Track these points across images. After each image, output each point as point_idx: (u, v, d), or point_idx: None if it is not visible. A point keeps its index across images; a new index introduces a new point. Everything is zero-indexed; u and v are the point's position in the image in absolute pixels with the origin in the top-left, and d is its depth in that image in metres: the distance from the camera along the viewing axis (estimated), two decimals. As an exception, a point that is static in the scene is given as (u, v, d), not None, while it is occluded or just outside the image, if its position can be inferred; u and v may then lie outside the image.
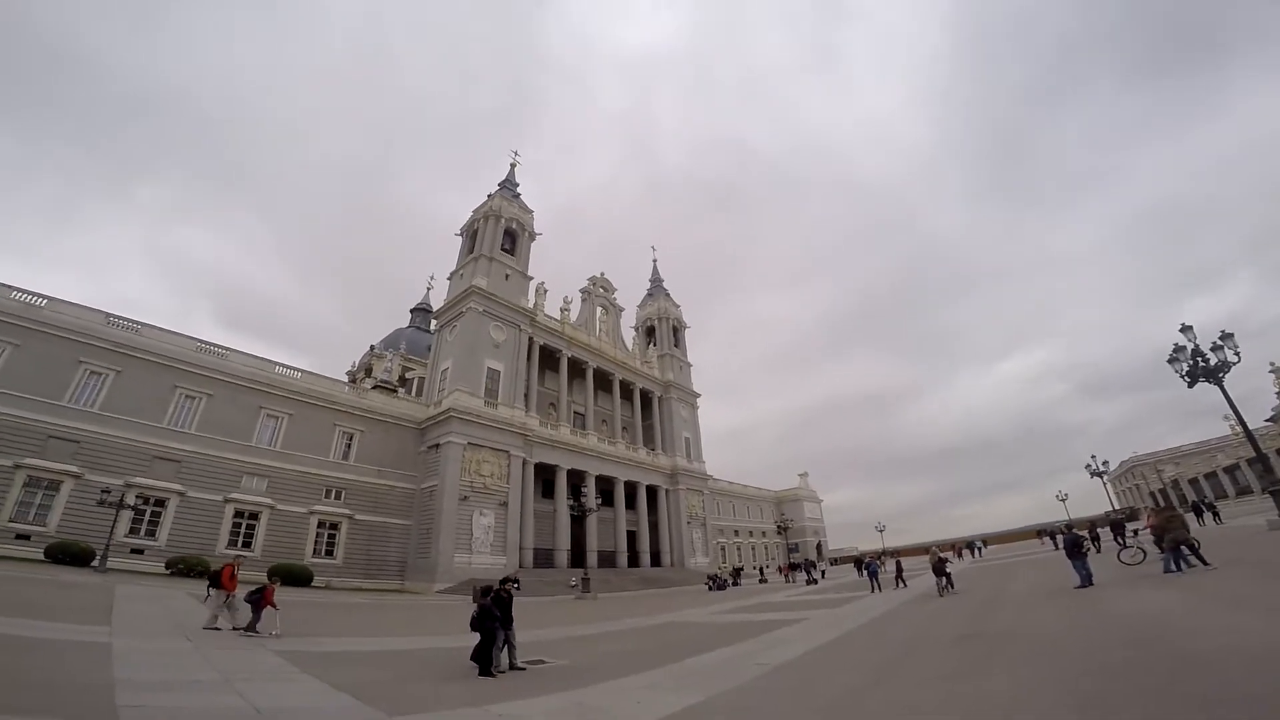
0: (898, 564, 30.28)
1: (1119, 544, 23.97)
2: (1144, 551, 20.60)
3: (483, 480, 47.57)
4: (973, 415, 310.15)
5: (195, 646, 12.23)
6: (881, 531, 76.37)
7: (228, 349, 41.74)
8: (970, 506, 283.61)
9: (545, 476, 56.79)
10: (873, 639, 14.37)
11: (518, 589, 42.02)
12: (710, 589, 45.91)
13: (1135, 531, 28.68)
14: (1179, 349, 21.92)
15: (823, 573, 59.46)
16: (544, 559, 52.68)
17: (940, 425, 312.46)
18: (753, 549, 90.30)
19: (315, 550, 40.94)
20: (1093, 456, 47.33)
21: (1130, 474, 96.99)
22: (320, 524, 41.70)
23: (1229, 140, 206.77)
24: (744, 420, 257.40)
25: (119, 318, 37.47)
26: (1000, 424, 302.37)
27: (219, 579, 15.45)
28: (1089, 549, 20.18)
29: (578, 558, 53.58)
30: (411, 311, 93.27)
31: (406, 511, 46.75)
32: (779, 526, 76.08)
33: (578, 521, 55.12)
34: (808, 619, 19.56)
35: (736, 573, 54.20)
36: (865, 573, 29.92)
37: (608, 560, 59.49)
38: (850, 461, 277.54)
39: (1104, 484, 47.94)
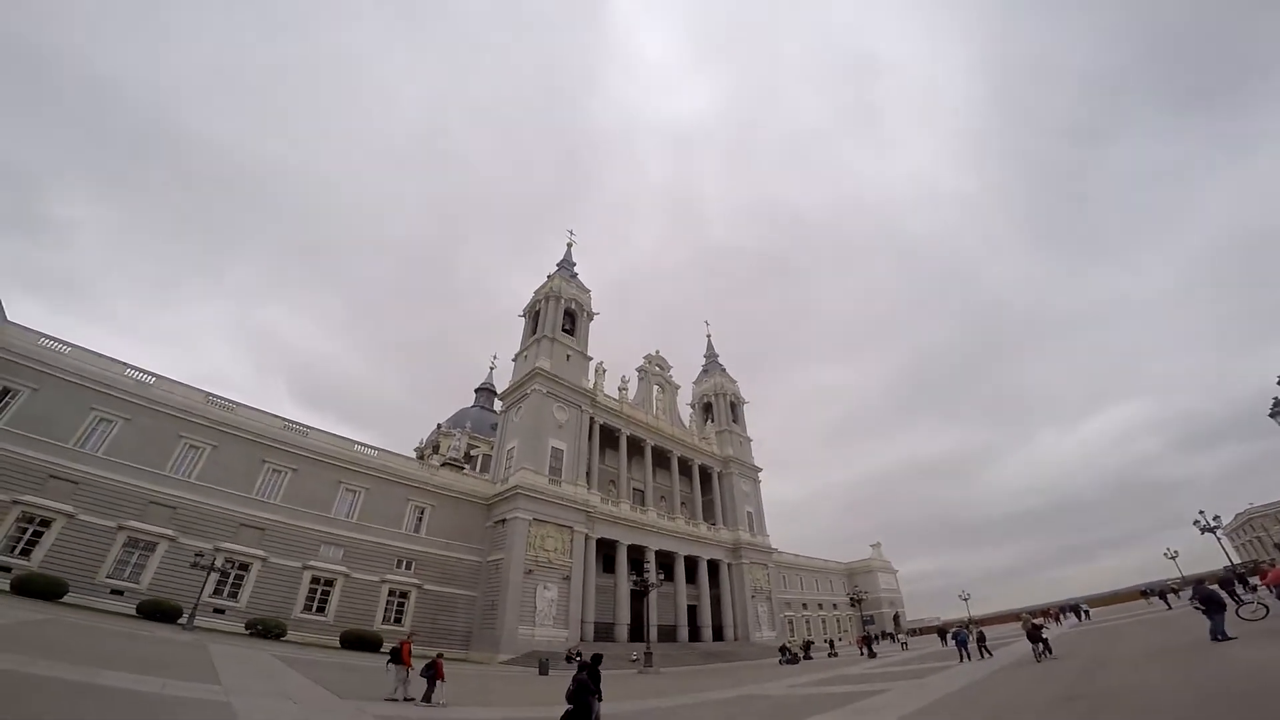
0: (979, 633, 28.27)
1: (1236, 600, 22.06)
2: (1266, 607, 18.92)
3: (547, 555, 48.36)
4: (1059, 476, 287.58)
5: (300, 707, 13.00)
6: (966, 600, 70.92)
7: (310, 427, 45.14)
8: (1066, 569, 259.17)
9: (606, 551, 57.02)
10: (964, 705, 13.81)
11: (580, 660, 41.38)
12: (781, 662, 43.58)
13: (1254, 587, 26.23)
14: (1279, 402, 20.69)
15: (903, 644, 55.39)
16: (604, 632, 52.18)
17: (1021, 488, 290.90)
18: (823, 621, 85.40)
19: (385, 617, 42.08)
20: (1201, 512, 43.42)
21: (1248, 526, 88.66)
22: (391, 592, 43.11)
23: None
24: (804, 493, 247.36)
25: (217, 397, 41.38)
26: (1090, 483, 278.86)
27: (399, 655, 16.53)
28: (1225, 602, 18.54)
29: (637, 631, 52.83)
30: (476, 391, 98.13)
31: (472, 583, 47.77)
32: (852, 599, 71.81)
33: (637, 596, 54.42)
34: (891, 690, 18.71)
35: (807, 646, 51.22)
36: (953, 642, 28.07)
37: (668, 634, 57.72)
38: (924, 530, 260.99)
39: (1218, 539, 43.76)
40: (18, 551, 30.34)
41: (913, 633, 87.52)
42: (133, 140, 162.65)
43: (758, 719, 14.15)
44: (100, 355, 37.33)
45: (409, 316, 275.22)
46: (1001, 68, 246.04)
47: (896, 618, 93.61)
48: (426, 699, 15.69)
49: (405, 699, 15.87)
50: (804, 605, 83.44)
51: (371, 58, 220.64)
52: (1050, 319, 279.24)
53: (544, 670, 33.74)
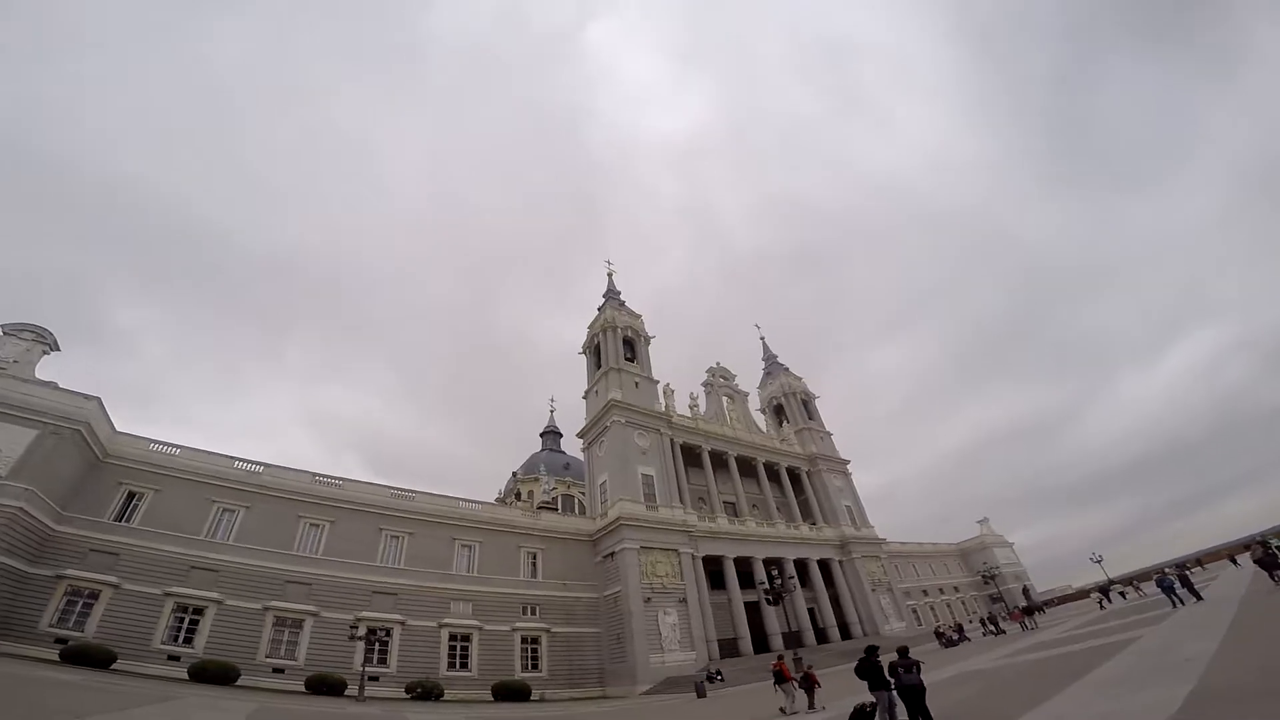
0: (1183, 576, 26.15)
1: None
2: None
3: (660, 580, 48.09)
4: (1151, 421, 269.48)
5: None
6: (1099, 561, 66.48)
7: (417, 491, 46.17)
8: (1189, 519, 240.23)
9: (712, 568, 56.23)
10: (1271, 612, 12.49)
11: (722, 681, 40.00)
12: (943, 646, 41.66)
13: None
14: None
15: (1100, 601, 50.75)
16: (728, 649, 51.19)
17: (1114, 440, 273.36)
18: (948, 606, 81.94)
19: (523, 665, 42.19)
20: None
21: None
22: (524, 639, 43.22)
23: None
24: (882, 481, 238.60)
25: (324, 476, 42.69)
26: (1188, 422, 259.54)
27: (782, 675, 19.24)
28: None
29: (760, 643, 52.12)
30: (541, 435, 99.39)
31: (593, 619, 47.69)
32: (984, 576, 68.50)
33: (752, 608, 54.34)
34: (1141, 636, 17.21)
35: (959, 628, 48.75)
36: (1160, 589, 26.06)
37: (793, 640, 55.90)
38: (1023, 498, 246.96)
39: None
40: (181, 640, 31.80)
41: (1054, 601, 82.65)
42: (161, 239, 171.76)
43: (1049, 677, 12.98)
44: (208, 452, 38.99)
45: (459, 377, 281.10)
46: (975, 28, 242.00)
47: (1026, 591, 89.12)
48: (811, 706, 18.07)
49: (793, 711, 18.08)
50: (924, 592, 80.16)
51: (362, 132, 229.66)
52: (1099, 264, 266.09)
53: (701, 693, 32.69)
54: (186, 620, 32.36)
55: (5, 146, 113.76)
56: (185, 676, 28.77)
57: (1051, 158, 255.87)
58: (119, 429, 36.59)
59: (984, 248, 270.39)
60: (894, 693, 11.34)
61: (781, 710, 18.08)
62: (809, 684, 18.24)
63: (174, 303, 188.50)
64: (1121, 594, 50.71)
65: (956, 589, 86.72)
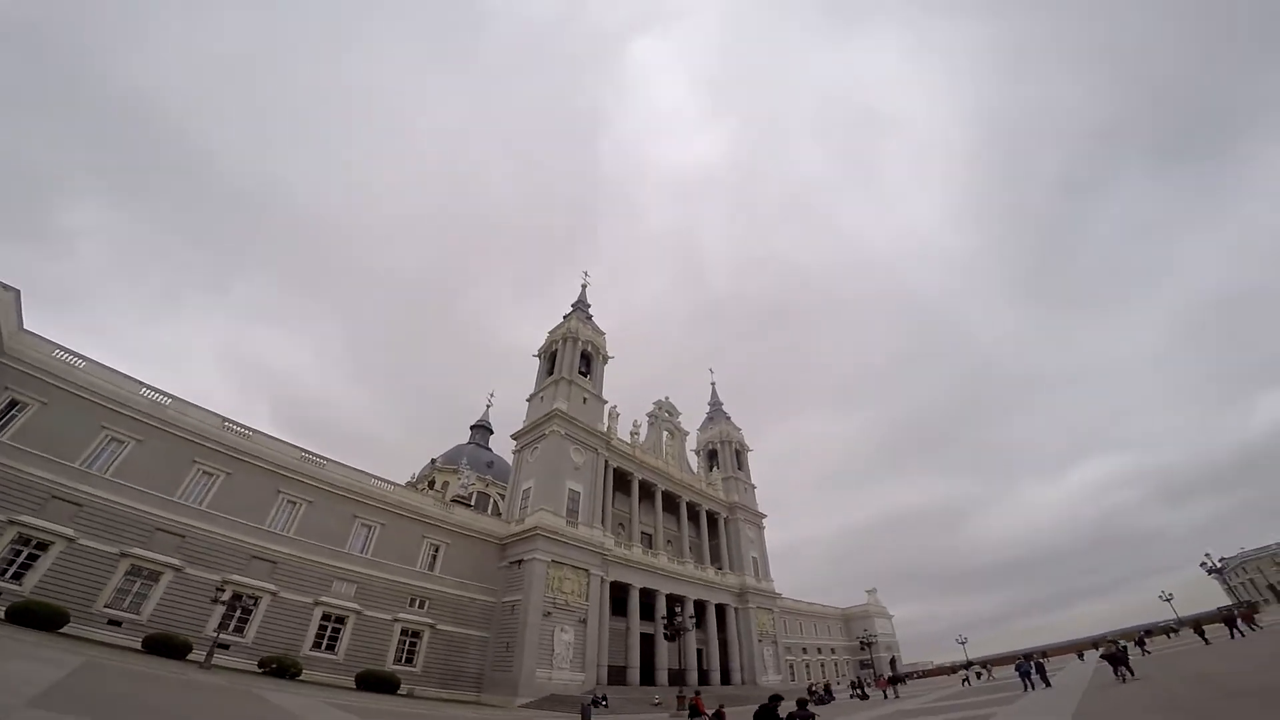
0: (1038, 664, 28.49)
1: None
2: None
3: (564, 597, 47.60)
4: (1041, 527, 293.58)
5: None
6: (964, 643, 71.14)
7: (327, 459, 43.51)
8: (1047, 616, 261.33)
9: (616, 594, 56.21)
10: (1114, 708, 13.91)
11: (606, 707, 39.73)
12: (813, 703, 42.80)
13: None
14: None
15: (971, 676, 54.22)
16: (617, 676, 51.24)
17: (1005, 538, 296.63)
18: (822, 665, 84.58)
19: (397, 658, 40.19)
20: (1207, 554, 46.07)
21: (1240, 569, 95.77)
22: (404, 631, 41.28)
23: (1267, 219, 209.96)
24: (790, 539, 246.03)
25: (234, 423, 39.61)
26: (1070, 534, 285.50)
27: (696, 709, 20.25)
28: None
29: (648, 675, 52.55)
30: (471, 428, 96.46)
31: (485, 624, 46.31)
32: (861, 642, 71.73)
33: (647, 640, 54.80)
34: (994, 715, 18.61)
35: (827, 688, 50.44)
36: (1018, 673, 28.23)
37: (677, 678, 56.13)
38: (909, 577, 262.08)
39: (1224, 579, 45.89)
40: (9, 575, 28.08)
41: (916, 675, 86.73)
42: (151, 149, 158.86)
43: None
44: (116, 372, 35.45)
45: (403, 349, 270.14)
46: (995, 121, 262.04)
47: (893, 661, 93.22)
48: None
49: None
50: (804, 649, 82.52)
51: (394, 89, 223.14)
52: (1037, 376, 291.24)
53: (586, 716, 32.13)
54: (25, 554, 28.61)
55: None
56: (1, 616, 25.58)
57: (1026, 263, 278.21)
58: (26, 327, 32.88)
59: (939, 338, 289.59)
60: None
61: None
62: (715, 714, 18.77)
63: (131, 210, 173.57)
64: (978, 674, 54.39)
65: (833, 650, 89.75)
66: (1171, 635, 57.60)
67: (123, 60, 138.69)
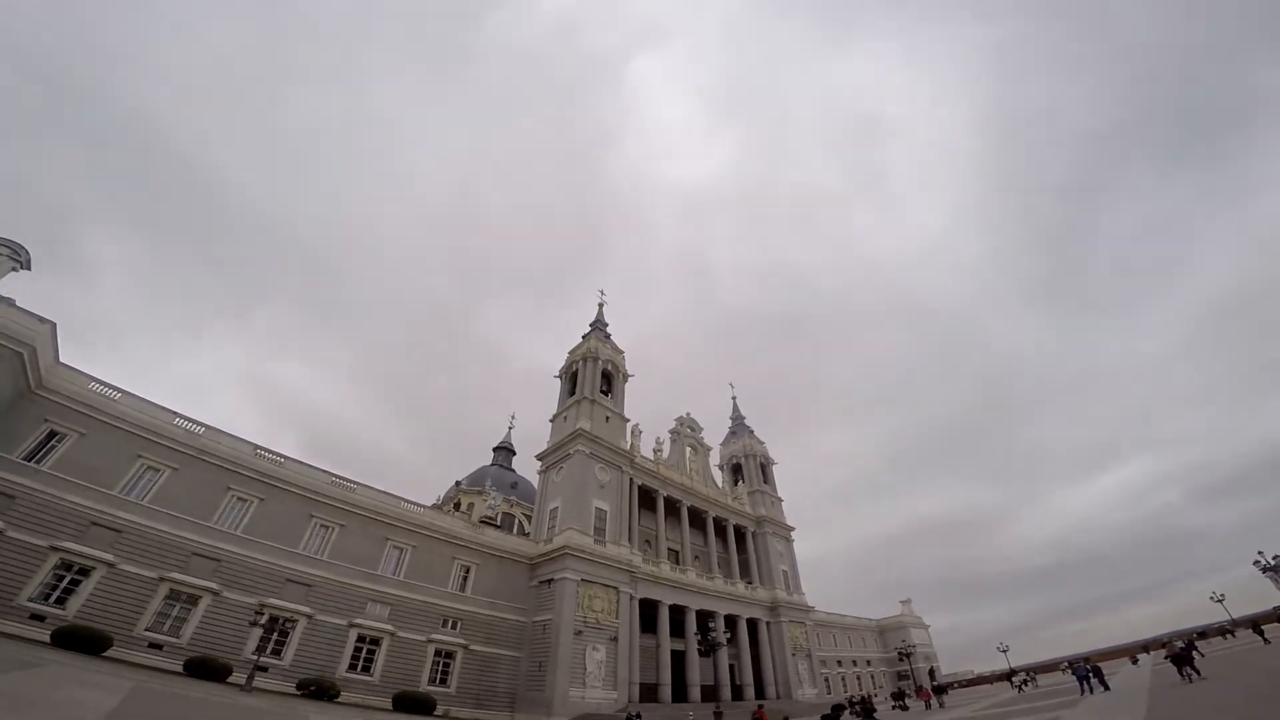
0: (1096, 667, 27.56)
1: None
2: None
3: (595, 615, 47.31)
4: (1073, 530, 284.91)
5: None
6: (1005, 651, 68.69)
7: (358, 483, 43.92)
8: (1087, 621, 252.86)
9: (646, 611, 55.79)
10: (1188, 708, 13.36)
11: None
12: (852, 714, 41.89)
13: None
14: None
15: (1021, 684, 53.44)
16: (649, 693, 50.51)
17: (1036, 543, 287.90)
18: (858, 678, 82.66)
19: (431, 678, 40.06)
20: (1260, 553, 44.06)
21: None
22: (437, 652, 41.19)
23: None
24: (817, 553, 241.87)
25: (266, 450, 40.26)
26: (1106, 538, 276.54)
27: None
28: None
29: (679, 692, 51.97)
30: (494, 450, 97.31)
31: (516, 643, 46.05)
32: (900, 653, 69.85)
33: (678, 656, 54.16)
34: (1061, 717, 17.96)
35: (865, 700, 49.23)
36: (1074, 676, 27.40)
37: (710, 694, 55.35)
38: (940, 586, 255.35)
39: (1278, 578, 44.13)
40: (53, 600, 28.65)
41: (956, 685, 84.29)
42: (170, 182, 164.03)
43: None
44: (151, 403, 36.25)
45: (422, 375, 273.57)
46: (998, 125, 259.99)
47: (932, 672, 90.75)
48: None
49: None
50: (839, 662, 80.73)
51: (403, 118, 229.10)
52: (1059, 380, 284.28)
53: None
54: (67, 579, 29.16)
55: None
56: (47, 639, 26.03)
57: (1041, 268, 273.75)
58: (61, 360, 33.82)
59: (955, 346, 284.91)
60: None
61: None
62: None
63: (155, 239, 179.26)
64: (1025, 682, 52.72)
65: (869, 662, 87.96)
66: (1228, 636, 55.39)
67: (132, 83, 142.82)
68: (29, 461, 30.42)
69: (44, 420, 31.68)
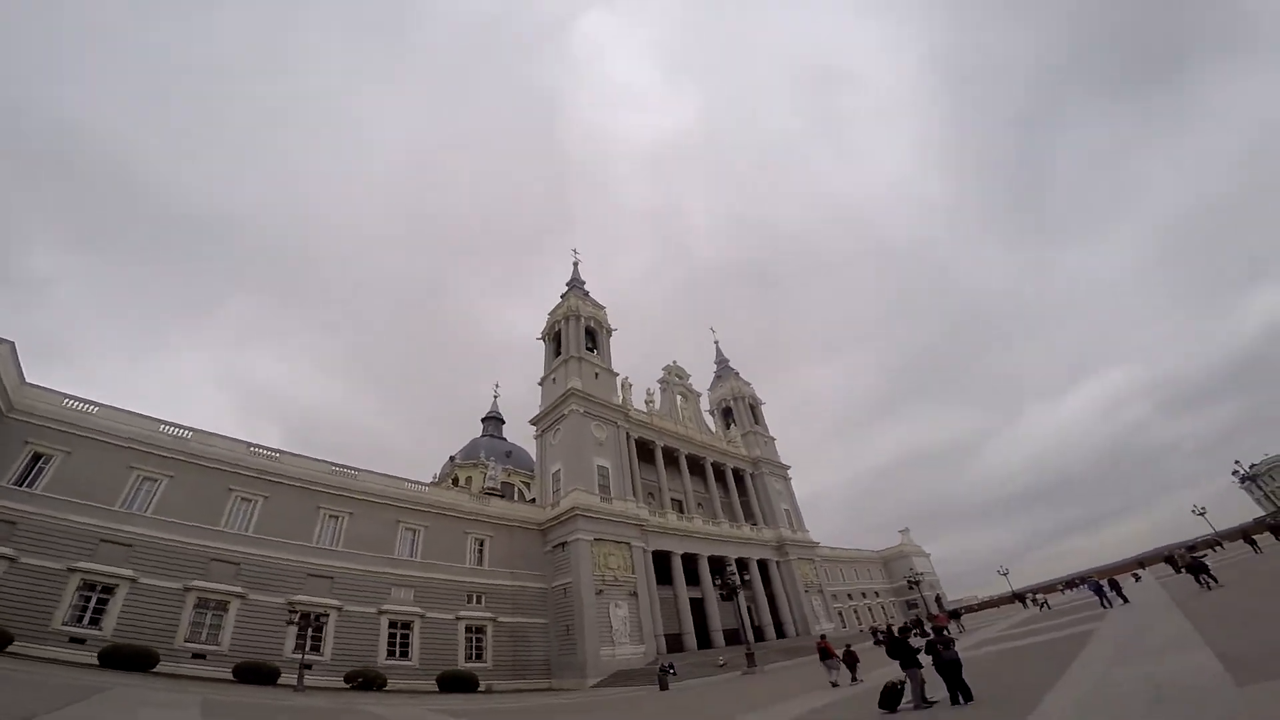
0: (1110, 580, 28.74)
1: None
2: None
3: (612, 573, 48.02)
4: (1052, 450, 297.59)
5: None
6: (1005, 574, 72.19)
7: (359, 469, 43.41)
8: (1077, 540, 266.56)
9: (659, 564, 56.66)
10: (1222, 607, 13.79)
11: (675, 674, 40.15)
12: (876, 643, 43.74)
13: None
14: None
15: (1041, 604, 54.22)
16: (674, 643, 51.84)
17: (1019, 466, 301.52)
18: (869, 610, 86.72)
19: (467, 655, 40.80)
20: (1237, 462, 45.81)
21: (1269, 476, 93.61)
22: (468, 629, 41.80)
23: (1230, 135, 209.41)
24: (805, 490, 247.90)
25: (260, 446, 39.51)
26: (1085, 457, 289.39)
27: (826, 652, 20.80)
28: None
29: (702, 639, 53.32)
30: (483, 420, 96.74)
31: (541, 610, 46.88)
32: (909, 582, 72.74)
33: (696, 604, 55.43)
34: (1097, 629, 18.60)
35: (889, 630, 51.44)
36: (1092, 592, 28.69)
37: (733, 637, 57.18)
38: (931, 514, 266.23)
39: (1259, 487, 46.45)
40: (86, 621, 28.38)
41: (964, 610, 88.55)
42: (107, 189, 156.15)
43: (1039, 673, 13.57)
44: (131, 413, 34.99)
45: (400, 355, 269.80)
46: (948, 67, 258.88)
47: (939, 599, 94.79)
48: (855, 679, 19.48)
49: (834, 684, 19.77)
50: (849, 595, 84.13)
51: (347, 96, 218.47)
52: (1028, 307, 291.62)
53: (664, 685, 32.59)
54: (94, 599, 28.79)
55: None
56: (94, 661, 25.92)
57: (1002, 203, 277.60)
58: (28, 380, 32.13)
59: (925, 281, 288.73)
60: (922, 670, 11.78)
61: (834, 684, 19.55)
62: (852, 660, 19.64)
63: (96, 248, 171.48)
64: (1034, 602, 55.15)
65: (877, 594, 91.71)
66: (1216, 549, 58.10)
67: (57, 92, 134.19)
68: (21, 486, 29.39)
69: (25, 443, 30.47)
